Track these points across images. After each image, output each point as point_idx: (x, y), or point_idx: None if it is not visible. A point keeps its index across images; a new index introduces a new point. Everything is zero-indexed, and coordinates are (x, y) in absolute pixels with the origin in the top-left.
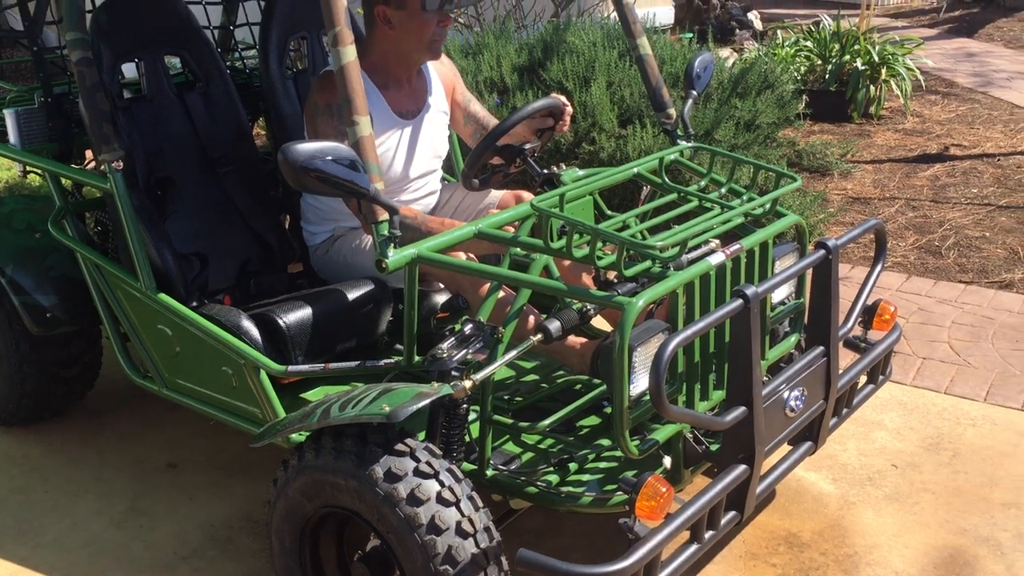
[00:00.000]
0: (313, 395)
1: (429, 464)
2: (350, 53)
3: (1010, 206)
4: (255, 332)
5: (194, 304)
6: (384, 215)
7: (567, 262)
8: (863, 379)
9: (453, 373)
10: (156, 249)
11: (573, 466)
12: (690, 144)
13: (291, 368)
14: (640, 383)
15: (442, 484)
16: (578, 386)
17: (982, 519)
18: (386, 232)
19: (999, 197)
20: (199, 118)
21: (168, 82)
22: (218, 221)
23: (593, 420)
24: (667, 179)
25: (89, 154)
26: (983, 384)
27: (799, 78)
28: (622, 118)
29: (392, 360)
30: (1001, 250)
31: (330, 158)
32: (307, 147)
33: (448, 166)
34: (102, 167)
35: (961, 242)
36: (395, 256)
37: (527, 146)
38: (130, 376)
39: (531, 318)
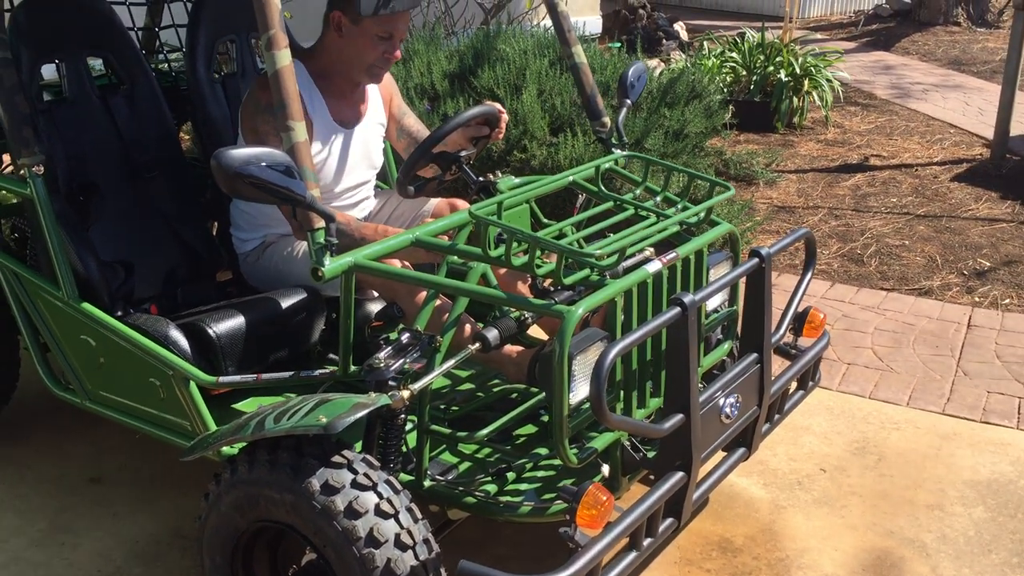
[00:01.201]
0: (245, 406)
1: (367, 476)
2: (285, 57)
3: (927, 215)
4: (184, 342)
5: (119, 313)
6: (320, 223)
7: (503, 270)
8: (793, 385)
9: (390, 383)
10: (79, 257)
11: (511, 475)
12: (624, 152)
13: (222, 379)
14: (580, 391)
15: (380, 496)
16: (514, 395)
17: (907, 521)
18: (322, 240)
19: (917, 206)
20: (123, 121)
21: (91, 84)
22: (143, 228)
23: (530, 429)
24: (602, 187)
25: (7, 158)
26: (906, 389)
27: (725, 88)
28: (553, 126)
29: (327, 370)
30: (920, 258)
31: (265, 164)
32: (241, 153)
33: (382, 174)
34: (21, 172)
35: (882, 250)
36: (331, 264)
37: (463, 154)
38: (51, 388)
39: (468, 327)
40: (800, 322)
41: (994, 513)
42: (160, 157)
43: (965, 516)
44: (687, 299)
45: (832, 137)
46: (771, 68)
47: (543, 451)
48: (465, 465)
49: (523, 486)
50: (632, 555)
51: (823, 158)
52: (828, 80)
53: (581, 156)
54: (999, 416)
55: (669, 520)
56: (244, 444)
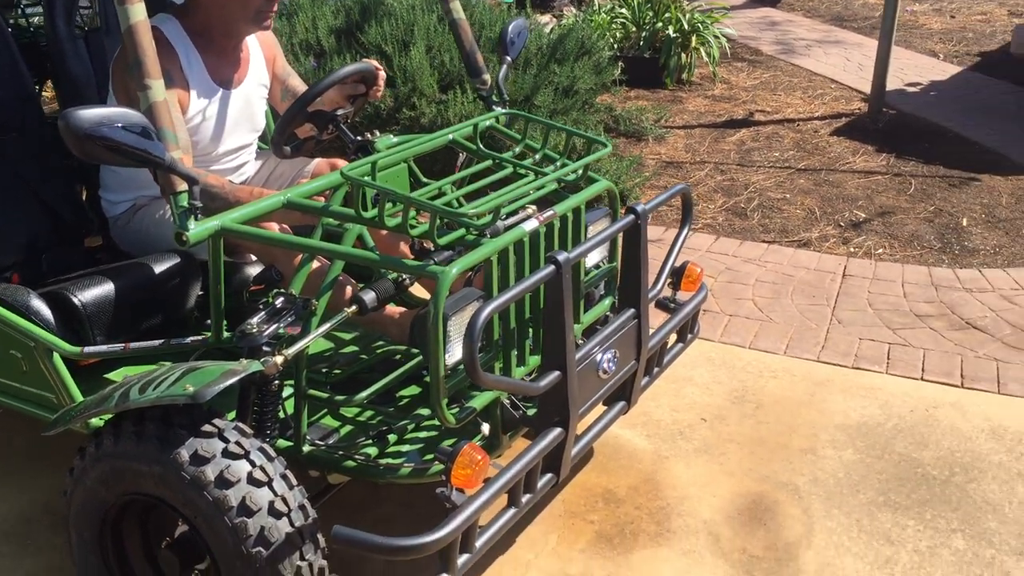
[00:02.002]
0: (117, 376)
1: (239, 444)
2: (139, 12)
3: (808, 168)
4: (46, 312)
5: None
6: (183, 185)
7: (384, 232)
8: (673, 338)
9: (264, 348)
10: None
11: (392, 437)
12: (505, 110)
13: (87, 349)
14: (456, 352)
15: (253, 464)
16: (397, 356)
17: (782, 466)
18: (185, 203)
19: (798, 160)
20: None
21: None
22: (1, 192)
23: (413, 390)
24: (482, 146)
25: None
26: (783, 338)
27: (615, 45)
28: (442, 83)
29: (199, 337)
30: (800, 211)
31: (119, 125)
32: (92, 113)
33: (262, 135)
34: None
35: (764, 203)
36: (197, 228)
37: (339, 112)
38: None
39: (348, 289)
40: (678, 277)
41: (862, 455)
42: (17, 117)
43: (835, 459)
44: (561, 257)
45: (719, 93)
46: (660, 24)
47: (425, 412)
48: (346, 429)
49: (405, 447)
50: (511, 512)
51: (710, 114)
52: (715, 36)
53: (471, 113)
54: (869, 362)
55: (548, 476)
56: (110, 416)
